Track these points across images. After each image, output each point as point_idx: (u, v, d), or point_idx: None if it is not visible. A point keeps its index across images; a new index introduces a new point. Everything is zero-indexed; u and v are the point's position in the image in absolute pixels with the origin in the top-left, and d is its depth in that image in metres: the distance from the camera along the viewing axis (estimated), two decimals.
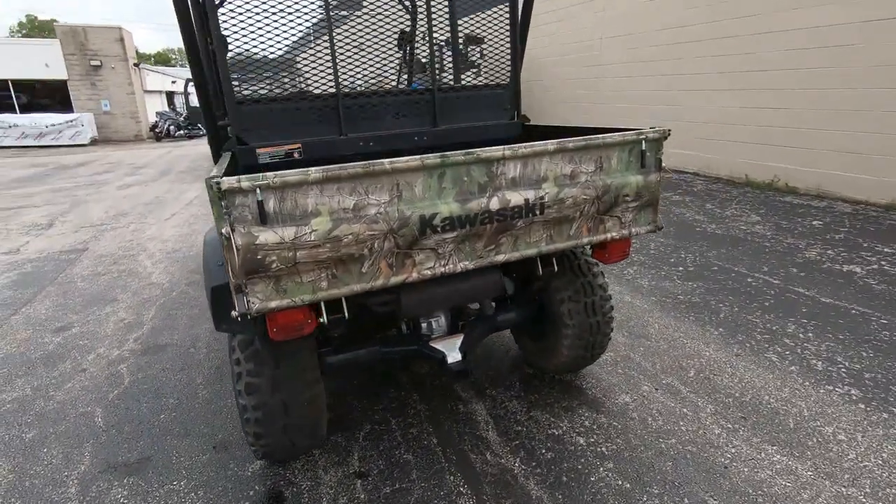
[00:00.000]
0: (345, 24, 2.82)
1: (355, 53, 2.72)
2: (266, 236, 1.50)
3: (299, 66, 2.73)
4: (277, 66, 2.65)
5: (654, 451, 2.31)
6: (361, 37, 2.77)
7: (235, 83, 2.98)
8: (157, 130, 21.57)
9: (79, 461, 2.42)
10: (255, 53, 2.57)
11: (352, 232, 1.60)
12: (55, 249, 5.97)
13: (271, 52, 2.58)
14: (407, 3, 3.40)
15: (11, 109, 20.73)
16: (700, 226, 5.53)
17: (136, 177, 11.44)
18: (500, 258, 1.88)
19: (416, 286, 1.89)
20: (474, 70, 3.50)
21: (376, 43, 2.80)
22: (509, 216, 1.82)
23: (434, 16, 2.76)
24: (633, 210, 2.07)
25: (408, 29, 3.42)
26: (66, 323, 3.95)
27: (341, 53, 2.65)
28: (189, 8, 2.19)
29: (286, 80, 2.75)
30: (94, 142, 20.33)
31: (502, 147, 1.74)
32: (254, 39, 2.47)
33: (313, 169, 1.51)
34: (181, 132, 21.84)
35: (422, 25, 2.91)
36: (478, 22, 2.95)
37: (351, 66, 2.73)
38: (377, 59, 2.86)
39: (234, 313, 1.56)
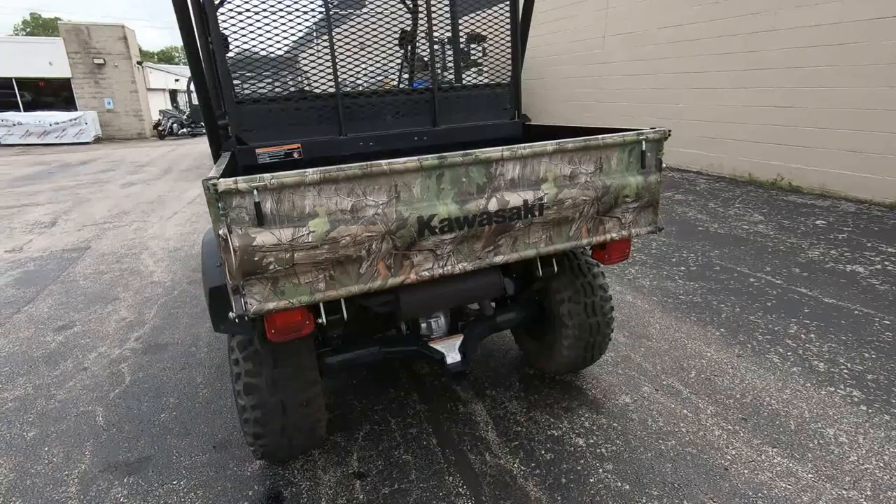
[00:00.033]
0: (345, 23, 2.81)
1: (356, 53, 2.72)
2: (263, 238, 1.50)
3: (299, 65, 2.73)
4: (277, 66, 2.64)
5: (653, 452, 2.30)
6: (362, 36, 2.77)
7: (235, 83, 2.99)
8: (160, 128, 21.61)
9: (79, 460, 2.43)
10: (255, 53, 2.56)
11: (349, 233, 1.59)
12: (58, 248, 5.99)
13: (271, 52, 2.58)
14: (408, 2, 3.39)
15: (16, 107, 20.80)
16: (702, 225, 5.51)
17: (138, 175, 11.47)
18: (499, 259, 1.87)
19: (415, 287, 1.88)
20: (476, 68, 3.50)
21: (377, 42, 2.79)
22: (508, 217, 1.81)
23: (435, 15, 2.75)
24: (634, 211, 2.06)
25: (409, 28, 3.41)
26: (67, 321, 3.96)
27: (341, 53, 2.65)
28: (188, 7, 2.19)
29: (286, 79, 2.75)
30: (97, 140, 20.40)
31: (501, 148, 1.74)
32: (253, 39, 2.47)
33: (310, 170, 1.51)
34: (184, 130, 21.88)
35: (423, 24, 2.90)
36: (478, 21, 2.94)
37: (351, 66, 2.73)
38: (378, 58, 2.85)
39: (231, 315, 1.56)
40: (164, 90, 27.85)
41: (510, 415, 2.61)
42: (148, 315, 4.02)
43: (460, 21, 3.02)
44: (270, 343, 1.89)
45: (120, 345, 3.56)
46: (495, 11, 2.83)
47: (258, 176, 1.45)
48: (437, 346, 2.32)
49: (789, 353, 3.00)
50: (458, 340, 2.35)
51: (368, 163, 1.57)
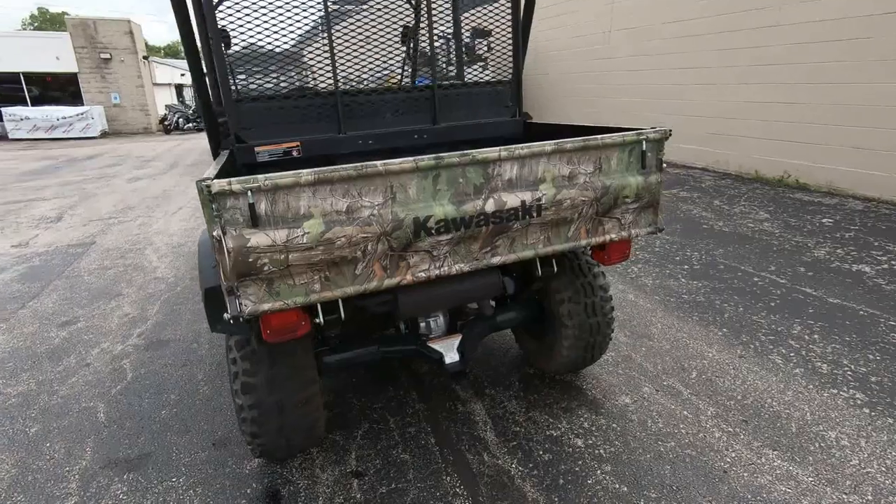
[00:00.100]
0: (345, 20, 2.79)
1: (356, 50, 2.70)
2: (258, 239, 1.49)
3: (299, 63, 2.71)
4: (276, 64, 2.63)
5: (652, 454, 2.29)
6: (362, 33, 2.75)
7: (238, 80, 2.98)
8: (166, 123, 21.69)
9: (80, 456, 2.45)
10: (253, 51, 2.55)
11: (345, 234, 1.58)
12: (63, 243, 6.03)
13: (270, 50, 2.56)
14: None
15: (23, 102, 20.94)
16: (707, 223, 5.47)
17: (144, 170, 11.52)
18: (497, 260, 1.86)
19: (413, 287, 1.87)
20: (481, 63, 3.47)
21: (379, 39, 2.77)
22: (505, 218, 1.79)
23: (436, 10, 2.73)
24: (634, 211, 2.04)
25: (411, 24, 3.39)
26: (71, 317, 3.99)
27: (342, 50, 2.63)
28: (186, 5, 2.18)
29: (285, 78, 2.73)
30: (104, 134, 20.50)
31: (498, 148, 1.72)
32: (252, 37, 2.46)
33: (305, 171, 1.50)
34: (190, 125, 21.95)
35: (425, 20, 2.88)
36: (479, 17, 2.91)
37: (352, 64, 2.71)
38: (380, 55, 2.83)
39: (226, 316, 1.55)
40: (170, 85, 27.93)
41: (509, 414, 2.61)
42: (151, 311, 4.04)
43: (461, 18, 3.00)
44: (267, 343, 1.89)
45: (122, 341, 3.58)
46: (496, 7, 2.80)
47: (252, 177, 1.44)
48: (436, 345, 2.32)
49: (792, 354, 2.97)
50: (456, 340, 2.34)
51: (363, 163, 1.55)
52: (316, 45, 2.61)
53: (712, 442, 2.33)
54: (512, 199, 1.79)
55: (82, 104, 20.67)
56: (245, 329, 1.86)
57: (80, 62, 20.56)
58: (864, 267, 4.08)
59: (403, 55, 3.46)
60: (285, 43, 2.56)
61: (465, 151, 1.67)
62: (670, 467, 2.20)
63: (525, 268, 2.41)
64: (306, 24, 2.55)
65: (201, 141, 17.39)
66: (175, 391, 2.95)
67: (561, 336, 2.54)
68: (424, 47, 3.39)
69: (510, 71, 2.87)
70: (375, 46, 2.79)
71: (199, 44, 2.36)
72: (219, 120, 2.68)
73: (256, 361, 1.98)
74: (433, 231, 1.70)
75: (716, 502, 2.01)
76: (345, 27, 2.74)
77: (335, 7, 2.60)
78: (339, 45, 2.63)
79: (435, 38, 2.72)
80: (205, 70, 2.46)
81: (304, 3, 2.48)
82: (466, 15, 3.05)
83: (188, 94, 27.87)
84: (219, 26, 2.30)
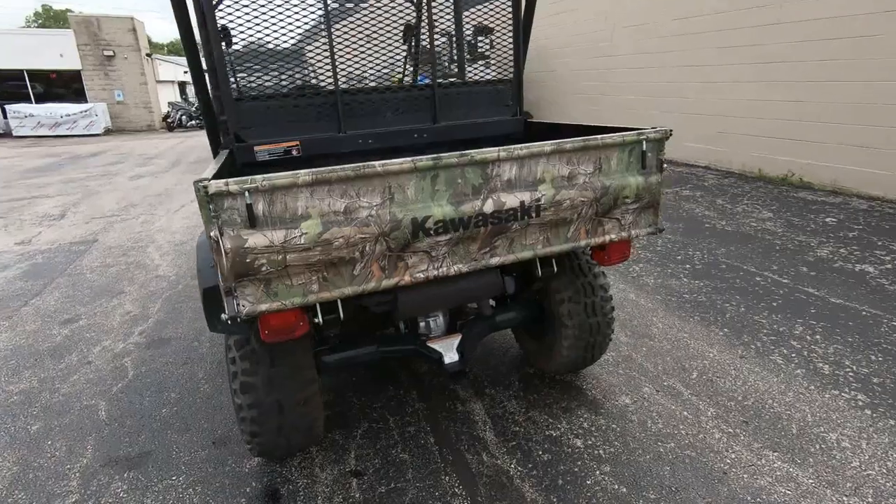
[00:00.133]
0: (346, 18, 2.78)
1: (357, 48, 2.69)
2: (255, 239, 1.49)
3: (299, 62, 2.71)
4: (276, 62, 2.63)
5: (652, 454, 2.28)
6: (363, 31, 2.74)
7: (240, 78, 2.98)
8: (169, 120, 21.72)
9: (81, 454, 2.46)
10: (254, 50, 2.55)
11: (342, 235, 1.58)
12: (66, 240, 6.05)
13: (270, 49, 2.56)
14: None
15: (27, 99, 21.00)
16: (709, 222, 5.44)
17: (147, 167, 11.54)
18: (495, 261, 1.85)
19: (412, 287, 1.87)
20: (484, 61, 3.46)
21: (379, 37, 2.76)
22: (504, 219, 1.78)
23: (437, 8, 2.72)
24: (634, 212, 2.03)
25: (412, 22, 3.38)
26: (73, 315, 4.01)
27: (342, 48, 2.63)
28: (186, 4, 2.17)
29: (286, 76, 2.73)
30: (107, 131, 20.55)
31: (497, 148, 1.71)
32: (252, 35, 2.45)
33: (303, 171, 1.49)
34: (193, 122, 21.97)
35: (427, 18, 2.86)
36: (479, 16, 2.90)
37: (352, 62, 2.71)
38: (381, 53, 2.82)
39: (223, 316, 1.55)
40: (173, 82, 27.95)
41: (509, 414, 2.61)
42: (152, 309, 4.05)
43: (462, 16, 2.99)
44: (266, 343, 1.89)
45: (124, 339, 3.59)
46: (497, 5, 2.78)
47: (249, 177, 1.44)
48: (435, 345, 2.31)
49: (794, 355, 2.96)
50: (456, 340, 2.33)
51: (361, 164, 1.55)
52: (317, 43, 2.60)
53: (712, 443, 2.33)
54: (511, 200, 1.78)
55: (86, 101, 20.73)
56: (244, 329, 1.86)
57: (84, 59, 20.61)
58: (868, 267, 4.06)
59: (405, 53, 3.45)
60: (286, 41, 2.55)
61: (464, 152, 1.67)
62: (670, 468, 2.20)
63: (525, 267, 2.40)
64: (307, 23, 2.54)
65: (204, 138, 17.36)
66: (176, 389, 2.95)
67: (561, 336, 2.54)
68: (426, 45, 3.38)
69: (511, 69, 2.85)
70: (377, 44, 2.78)
71: (198, 42, 2.35)
72: (219, 118, 2.68)
73: (255, 361, 1.98)
74: (431, 232, 1.69)
75: None
76: (346, 25, 2.73)
77: (335, 5, 2.59)
78: (340, 43, 2.63)
79: (437, 35, 2.71)
80: (205, 68, 2.46)
81: (304, 1, 2.48)
82: (468, 13, 3.04)
83: (191, 91, 27.90)
84: (219, 25, 2.30)
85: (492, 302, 2.63)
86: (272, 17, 2.45)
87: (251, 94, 2.54)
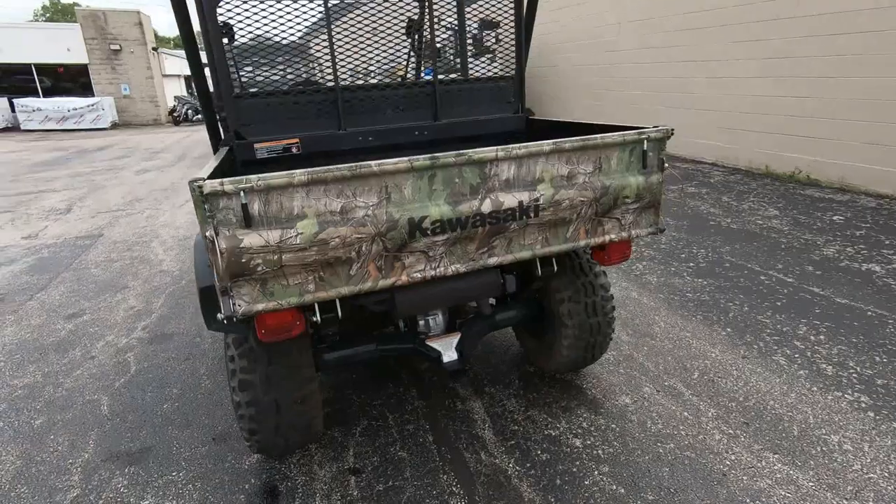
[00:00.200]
0: (348, 13, 2.77)
1: (359, 44, 2.67)
2: (251, 239, 1.49)
3: (300, 58, 2.70)
4: (277, 58, 2.62)
5: (651, 455, 2.27)
6: (366, 25, 2.72)
7: (242, 74, 2.97)
8: (175, 114, 21.79)
9: (83, 449, 2.49)
10: (255, 45, 2.54)
11: (338, 235, 1.57)
12: (72, 235, 6.10)
13: (272, 44, 2.55)
14: None
15: (35, 93, 21.12)
16: (714, 219, 5.40)
17: (153, 162, 11.59)
18: (493, 261, 1.84)
19: (411, 286, 1.86)
20: (489, 56, 3.43)
21: (382, 32, 2.74)
22: (502, 219, 1.77)
23: (441, 3, 2.69)
24: (634, 212, 2.01)
25: (415, 17, 3.35)
26: (78, 309, 4.04)
27: (344, 45, 2.61)
28: (185, 1, 2.16)
29: (287, 72, 2.72)
30: (114, 125, 20.65)
31: (495, 148, 1.69)
32: (253, 31, 2.44)
33: (298, 171, 1.49)
34: (199, 116, 22.01)
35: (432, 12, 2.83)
36: (481, 12, 2.87)
37: (354, 58, 2.69)
38: (384, 48, 2.80)
39: (219, 316, 1.56)
40: (179, 76, 28.00)
41: (508, 413, 2.60)
42: (155, 304, 4.08)
43: (465, 11, 2.96)
44: (263, 342, 1.89)
45: (127, 334, 3.62)
46: (499, 2, 2.76)
47: (244, 177, 1.43)
48: (434, 344, 2.31)
49: (797, 356, 2.93)
50: (455, 339, 2.33)
51: (358, 163, 1.54)
52: (318, 39, 2.59)
53: (712, 444, 2.31)
54: (509, 200, 1.77)
55: (93, 95, 20.82)
56: (242, 328, 1.86)
57: (91, 53, 20.68)
58: (874, 266, 4.01)
59: (408, 48, 3.43)
60: (287, 37, 2.54)
61: (461, 151, 1.65)
62: (668, 469, 2.19)
63: (526, 266, 2.39)
64: (307, 19, 2.53)
65: None
66: (177, 385, 2.97)
67: (561, 335, 2.52)
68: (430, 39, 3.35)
69: (514, 66, 2.83)
70: (380, 39, 2.76)
71: (198, 37, 2.35)
72: (219, 114, 2.68)
73: (254, 359, 1.98)
74: (429, 231, 1.68)
75: None
76: (348, 21, 2.72)
77: (335, 1, 2.57)
78: (342, 39, 2.61)
79: (443, 29, 2.69)
80: (204, 63, 2.45)
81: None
82: (470, 9, 3.02)
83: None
84: (220, 20, 2.29)
85: (492, 300, 2.62)
86: (273, 13, 2.44)
87: (251, 90, 2.53)
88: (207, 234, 1.44)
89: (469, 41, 3.21)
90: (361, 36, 2.68)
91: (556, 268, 2.35)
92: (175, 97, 23.51)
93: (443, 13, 2.98)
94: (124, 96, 21.47)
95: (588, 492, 2.10)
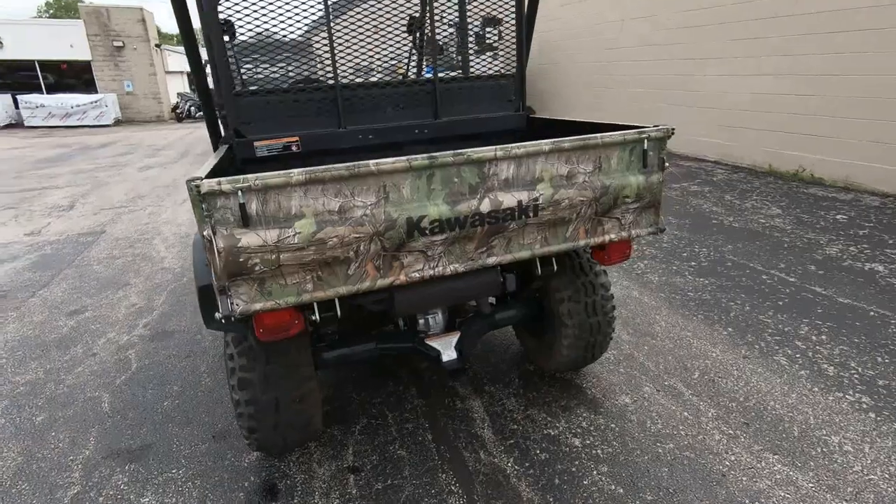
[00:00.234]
0: (349, 10, 2.76)
1: (360, 41, 2.66)
2: (248, 239, 1.49)
3: (301, 56, 2.69)
4: (277, 55, 2.61)
5: (650, 455, 2.27)
6: (367, 23, 2.71)
7: (244, 72, 2.96)
8: (178, 111, 21.80)
9: (84, 446, 2.50)
10: (256, 42, 2.54)
11: (337, 234, 1.57)
12: (74, 232, 6.11)
13: (274, 41, 2.54)
14: None
15: (39, 90, 21.16)
16: (717, 218, 5.37)
17: (155, 159, 11.61)
18: (492, 261, 1.84)
19: (410, 285, 1.86)
20: (492, 53, 3.41)
21: (384, 29, 2.73)
22: (501, 218, 1.76)
23: (441, 0, 2.68)
24: (634, 211, 2.00)
25: (417, 14, 3.34)
26: (80, 306, 4.05)
27: (342, 42, 2.60)
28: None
29: (288, 69, 2.71)
30: (117, 122, 20.68)
31: (494, 147, 1.69)
32: (251, 30, 2.44)
33: (296, 171, 1.48)
34: (202, 113, 22.02)
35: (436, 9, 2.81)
36: (483, 8, 2.85)
37: (354, 56, 2.68)
38: (385, 46, 2.79)
39: (217, 315, 1.56)
40: (182, 73, 27.99)
41: (507, 412, 2.60)
42: (157, 301, 4.09)
43: (467, 8, 2.94)
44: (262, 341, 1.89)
45: (128, 331, 3.63)
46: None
47: (242, 177, 1.43)
48: (434, 343, 2.30)
49: (798, 356, 2.92)
50: (454, 338, 2.32)
51: (355, 163, 1.53)
52: (320, 36, 2.58)
53: (712, 444, 2.31)
54: (508, 199, 1.76)
55: (96, 92, 20.85)
56: (240, 327, 1.86)
57: (94, 50, 20.70)
58: (878, 266, 3.99)
59: (410, 46, 3.42)
60: (288, 34, 2.53)
61: (460, 151, 1.65)
62: (668, 469, 2.18)
63: (526, 266, 2.38)
64: (307, 16, 2.52)
65: None
66: (178, 382, 2.98)
67: (560, 335, 2.52)
68: (435, 36, 3.33)
69: (513, 64, 2.81)
70: (381, 37, 2.75)
71: (197, 33, 2.34)
72: (219, 112, 2.68)
73: (253, 358, 1.99)
74: (427, 231, 1.68)
75: None
76: (349, 18, 2.71)
77: None
78: (343, 36, 2.60)
79: (445, 26, 2.68)
80: (204, 61, 2.45)
81: None
82: (471, 6, 3.00)
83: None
84: (221, 17, 2.29)
85: (492, 299, 2.62)
86: (273, 10, 2.43)
87: (251, 88, 2.53)
88: (205, 233, 1.44)
89: (471, 38, 3.20)
90: (362, 33, 2.67)
91: (555, 267, 2.34)
92: (178, 94, 23.52)
93: (444, 10, 2.96)
94: (127, 93, 21.49)
95: (587, 491, 2.10)
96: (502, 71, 2.87)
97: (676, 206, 5.86)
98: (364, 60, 2.74)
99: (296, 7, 2.44)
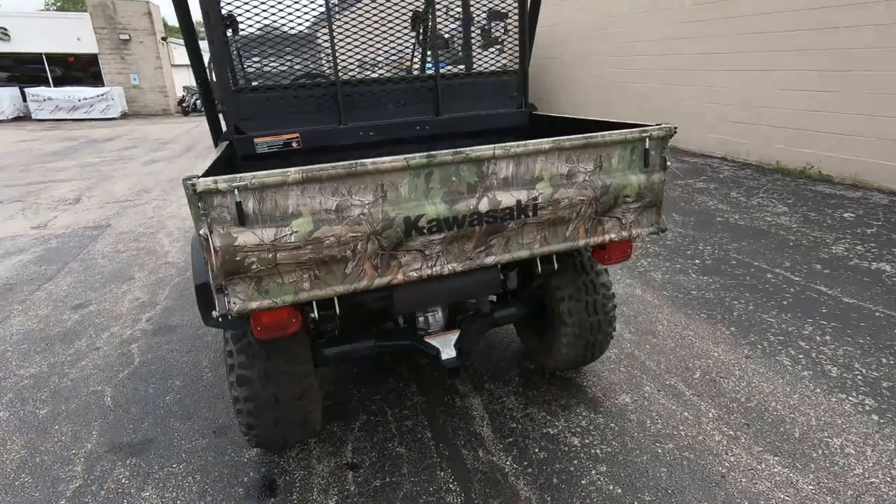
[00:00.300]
0: (351, 6, 2.74)
1: (363, 36, 2.64)
2: (245, 238, 1.48)
3: (302, 50, 2.67)
4: (282, 51, 2.60)
5: (649, 455, 2.26)
6: (370, 17, 2.69)
7: (247, 66, 2.95)
8: (184, 105, 21.85)
9: (86, 440, 2.52)
10: (254, 40, 2.53)
11: (334, 233, 1.57)
12: (80, 225, 6.15)
13: (276, 35, 2.53)
14: None
15: (46, 83, 21.26)
16: (722, 215, 5.33)
17: (161, 152, 11.65)
18: (491, 260, 1.83)
19: (409, 283, 1.85)
20: (498, 47, 3.39)
21: (387, 24, 2.71)
22: (500, 218, 1.75)
23: None
24: (635, 211, 1.98)
25: (421, 9, 3.31)
26: (84, 300, 4.08)
27: (345, 37, 2.59)
28: None
29: (291, 64, 2.70)
30: (123, 115, 20.76)
31: (493, 146, 1.67)
32: (254, 25, 2.43)
33: (293, 170, 1.48)
34: None
35: (438, 5, 2.79)
36: (487, 3, 2.83)
37: (358, 50, 2.66)
38: (389, 41, 2.77)
39: (214, 314, 1.56)
40: (188, 66, 28.01)
41: (507, 410, 2.60)
42: (160, 296, 4.11)
43: (460, 4, 2.92)
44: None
45: (132, 325, 3.65)
46: None
47: (238, 175, 1.43)
48: (433, 341, 2.30)
49: (801, 356, 2.89)
50: (454, 336, 2.32)
51: (353, 162, 1.53)
52: (322, 31, 2.56)
53: (712, 445, 2.30)
54: (507, 199, 1.74)
55: (103, 85, 20.92)
56: (240, 323, 1.87)
57: (101, 43, 20.75)
58: (885, 265, 3.94)
59: (413, 40, 3.39)
60: (291, 28, 2.52)
61: (458, 150, 1.63)
62: (667, 470, 2.18)
63: (527, 264, 2.37)
64: (307, 11, 2.50)
65: None
66: (180, 377, 3.00)
67: (561, 333, 2.51)
68: (439, 31, 3.30)
69: (516, 60, 2.79)
70: (383, 32, 2.73)
71: (198, 27, 2.33)
72: (219, 108, 2.67)
73: (252, 355, 1.99)
74: (425, 230, 1.67)
75: None
76: (353, 13, 2.69)
77: None
78: (344, 31, 2.59)
79: (449, 21, 2.66)
80: (205, 56, 2.44)
81: None
82: (475, 2, 2.97)
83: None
84: (224, 11, 2.28)
85: (492, 297, 2.61)
86: (276, 3, 2.41)
87: (251, 85, 2.52)
88: (201, 232, 1.44)
89: (476, 33, 3.17)
90: (364, 28, 2.65)
91: (556, 266, 2.32)
92: (184, 87, 23.55)
93: (448, 4, 2.94)
94: (134, 86, 21.55)
95: (585, 491, 2.09)
96: (507, 66, 2.84)
97: (682, 203, 5.81)
98: (367, 56, 2.72)
99: (297, 1, 2.43)
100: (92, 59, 21.17)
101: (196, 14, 2.31)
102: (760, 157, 7.28)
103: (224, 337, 2.09)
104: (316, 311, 1.84)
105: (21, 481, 2.27)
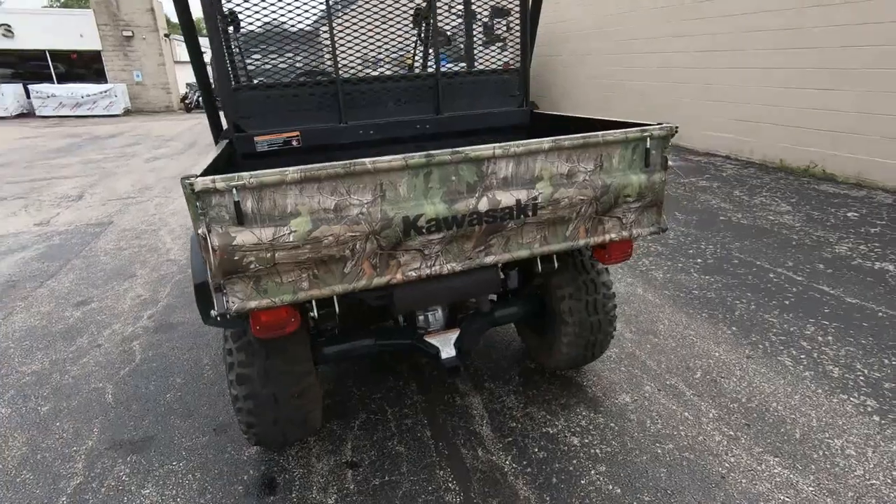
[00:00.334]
0: (353, 3, 2.73)
1: (364, 34, 2.63)
2: (243, 237, 1.48)
3: (302, 48, 2.67)
4: (284, 49, 2.59)
5: (649, 455, 2.26)
6: (371, 15, 2.68)
7: (245, 65, 2.94)
8: (186, 101, 21.86)
9: (87, 437, 2.53)
10: (255, 37, 2.52)
11: (332, 233, 1.56)
12: (82, 222, 6.17)
13: (277, 35, 2.52)
14: None
15: (49, 79, 21.30)
16: (725, 214, 5.31)
17: (163, 149, 11.66)
18: (490, 259, 1.82)
19: (409, 282, 1.85)
20: (500, 44, 3.37)
21: (388, 21, 2.70)
22: (500, 217, 1.75)
23: None
24: (636, 211, 1.97)
25: (423, 5, 3.30)
26: (86, 297, 4.09)
27: (346, 35, 2.58)
28: None
29: (291, 62, 2.69)
30: (126, 112, 20.78)
31: (493, 146, 1.66)
32: (257, 22, 2.42)
33: (291, 169, 1.47)
34: None
35: (439, 2, 2.77)
36: (486, 4, 2.81)
37: (358, 48, 2.65)
38: (391, 38, 2.76)
39: (213, 313, 1.56)
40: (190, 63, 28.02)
41: (507, 409, 2.60)
42: (162, 293, 4.12)
43: (461, 3, 2.90)
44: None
45: (133, 322, 3.66)
46: None
47: (237, 175, 1.42)
48: (433, 340, 2.30)
49: (803, 357, 2.88)
50: (454, 335, 2.32)
51: (352, 161, 1.52)
52: (322, 29, 2.56)
53: (712, 445, 2.29)
54: (507, 198, 1.74)
55: (106, 82, 20.95)
56: (238, 322, 1.87)
57: (104, 40, 20.77)
58: (888, 265, 3.92)
59: (415, 38, 3.38)
60: (293, 25, 2.51)
61: (457, 149, 1.63)
62: (666, 470, 2.17)
63: (527, 263, 2.36)
64: (308, 10, 2.49)
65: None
66: (181, 375, 3.01)
67: (561, 333, 2.50)
68: (441, 28, 3.29)
69: (517, 58, 2.78)
70: (385, 29, 2.71)
71: (199, 26, 2.33)
72: (219, 106, 2.67)
73: (251, 353, 1.99)
74: (424, 230, 1.66)
75: None
76: (355, 10, 2.68)
77: None
78: (345, 29, 2.58)
79: (452, 18, 2.64)
80: (206, 54, 2.44)
81: None
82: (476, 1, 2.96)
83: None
84: (226, 9, 2.27)
85: (492, 297, 2.60)
86: (275, 1, 2.41)
87: (252, 83, 2.52)
88: (200, 231, 1.44)
89: (479, 29, 3.16)
90: (366, 26, 2.64)
91: (556, 265, 2.32)
92: (187, 84, 23.53)
93: (450, 1, 2.93)
94: (137, 83, 21.58)
95: (584, 491, 2.09)
96: (508, 64, 2.83)
97: (684, 202, 5.79)
98: (369, 53, 2.71)
99: (287, 6, 2.41)
100: (95, 56, 21.20)
101: (196, 11, 2.31)
102: (764, 156, 7.25)
103: (224, 335, 2.09)
104: (315, 311, 1.84)
105: (22, 478, 2.28)
